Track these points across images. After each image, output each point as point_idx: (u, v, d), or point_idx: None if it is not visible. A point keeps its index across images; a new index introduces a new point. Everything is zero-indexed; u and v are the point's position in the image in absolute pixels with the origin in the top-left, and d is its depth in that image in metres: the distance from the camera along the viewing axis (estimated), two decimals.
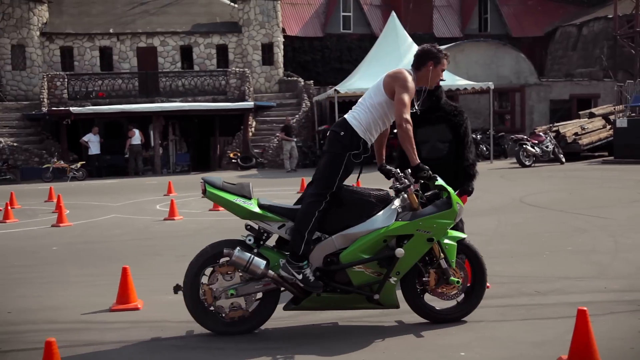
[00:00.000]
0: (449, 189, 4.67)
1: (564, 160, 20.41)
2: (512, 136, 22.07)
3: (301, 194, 4.77)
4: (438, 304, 4.77)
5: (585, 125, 22.83)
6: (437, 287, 4.70)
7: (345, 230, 4.57)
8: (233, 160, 24.57)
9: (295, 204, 4.75)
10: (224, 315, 4.57)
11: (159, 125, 24.69)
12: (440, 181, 4.68)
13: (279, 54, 29.43)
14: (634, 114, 22.49)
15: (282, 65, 29.70)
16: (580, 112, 25.06)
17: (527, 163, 19.79)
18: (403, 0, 32.29)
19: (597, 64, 30.23)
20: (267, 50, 29.29)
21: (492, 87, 22.51)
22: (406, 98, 4.51)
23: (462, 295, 4.77)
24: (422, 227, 4.52)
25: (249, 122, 25.80)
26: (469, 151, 5.89)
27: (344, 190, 4.66)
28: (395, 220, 4.56)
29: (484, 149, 23.32)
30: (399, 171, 4.73)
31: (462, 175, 5.93)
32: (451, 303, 4.79)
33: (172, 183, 16.24)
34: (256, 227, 4.64)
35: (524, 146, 19.90)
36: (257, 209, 4.58)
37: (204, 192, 4.61)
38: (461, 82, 22.72)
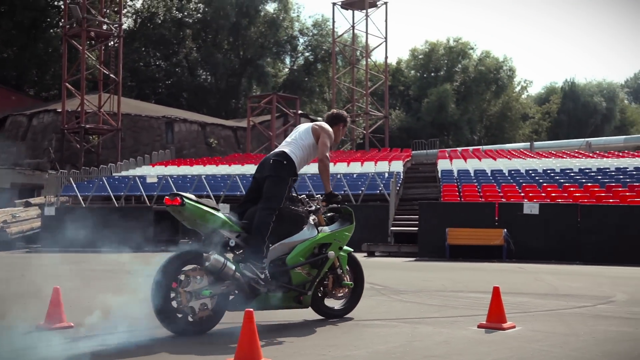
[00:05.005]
0: (350, 209, 6.10)
1: None
2: None
3: (236, 210, 5.63)
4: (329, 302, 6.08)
5: (17, 214, 22.06)
6: (332, 289, 5.96)
7: (285, 239, 5.57)
8: None
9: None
10: (192, 315, 5.00)
11: None
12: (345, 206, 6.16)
13: None
14: (68, 203, 22.81)
15: None
16: (17, 201, 24.28)
17: None
18: None
19: (45, 155, 30.22)
20: None
21: None
22: (328, 142, 5.94)
23: (349, 296, 6.12)
24: (337, 237, 5.88)
25: None
26: None
27: (284, 206, 5.60)
28: (318, 232, 5.78)
29: None
30: (305, 196, 6.01)
31: None
32: (340, 302, 6.10)
33: None
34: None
35: None
36: (227, 220, 5.28)
37: (182, 204, 5.00)
38: None
